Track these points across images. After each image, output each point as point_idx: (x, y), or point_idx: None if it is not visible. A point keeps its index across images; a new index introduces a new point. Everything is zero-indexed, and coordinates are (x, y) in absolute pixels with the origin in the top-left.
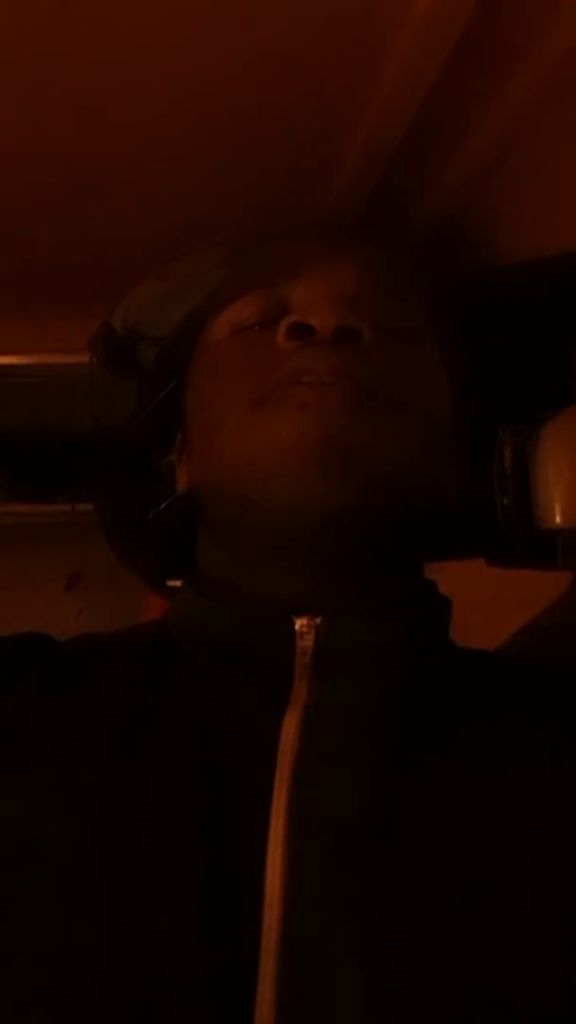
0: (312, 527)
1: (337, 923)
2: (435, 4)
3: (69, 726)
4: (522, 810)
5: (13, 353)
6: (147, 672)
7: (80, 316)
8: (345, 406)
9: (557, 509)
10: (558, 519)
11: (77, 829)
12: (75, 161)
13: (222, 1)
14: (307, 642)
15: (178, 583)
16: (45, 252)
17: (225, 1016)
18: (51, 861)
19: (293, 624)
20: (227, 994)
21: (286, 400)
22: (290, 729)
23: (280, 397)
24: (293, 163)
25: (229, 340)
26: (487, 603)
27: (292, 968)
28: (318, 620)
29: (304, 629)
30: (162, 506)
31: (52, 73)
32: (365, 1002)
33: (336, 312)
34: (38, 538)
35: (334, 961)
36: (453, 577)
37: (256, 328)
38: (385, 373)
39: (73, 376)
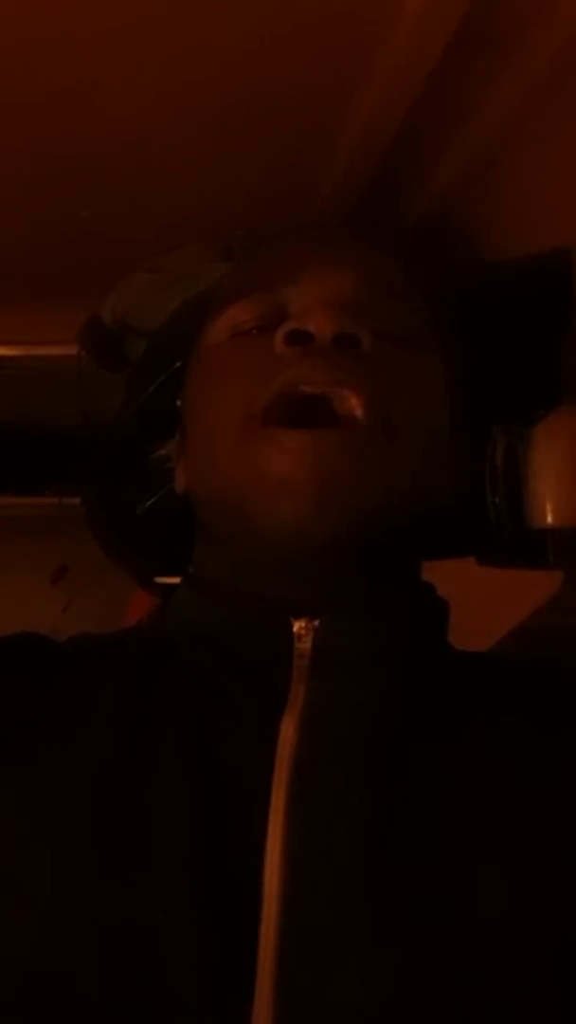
0: (307, 552)
1: (335, 921)
2: None
3: (67, 726)
4: (520, 809)
5: (0, 345)
6: (145, 673)
7: (68, 308)
8: (341, 449)
9: (548, 508)
10: (549, 518)
11: (75, 828)
12: (63, 151)
13: None
14: (305, 644)
15: (166, 580)
16: (33, 244)
17: (223, 1013)
18: (50, 860)
19: (291, 626)
20: (225, 992)
21: (282, 436)
22: (288, 731)
23: (277, 420)
24: (286, 156)
25: (227, 344)
26: (478, 604)
27: (290, 966)
28: (316, 622)
29: (302, 631)
30: (149, 502)
31: (41, 62)
32: (363, 999)
33: (334, 318)
34: (24, 531)
35: (332, 959)
36: (445, 578)
37: (254, 332)
38: (384, 380)
39: (61, 368)
